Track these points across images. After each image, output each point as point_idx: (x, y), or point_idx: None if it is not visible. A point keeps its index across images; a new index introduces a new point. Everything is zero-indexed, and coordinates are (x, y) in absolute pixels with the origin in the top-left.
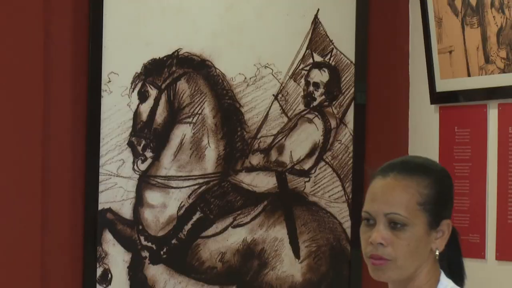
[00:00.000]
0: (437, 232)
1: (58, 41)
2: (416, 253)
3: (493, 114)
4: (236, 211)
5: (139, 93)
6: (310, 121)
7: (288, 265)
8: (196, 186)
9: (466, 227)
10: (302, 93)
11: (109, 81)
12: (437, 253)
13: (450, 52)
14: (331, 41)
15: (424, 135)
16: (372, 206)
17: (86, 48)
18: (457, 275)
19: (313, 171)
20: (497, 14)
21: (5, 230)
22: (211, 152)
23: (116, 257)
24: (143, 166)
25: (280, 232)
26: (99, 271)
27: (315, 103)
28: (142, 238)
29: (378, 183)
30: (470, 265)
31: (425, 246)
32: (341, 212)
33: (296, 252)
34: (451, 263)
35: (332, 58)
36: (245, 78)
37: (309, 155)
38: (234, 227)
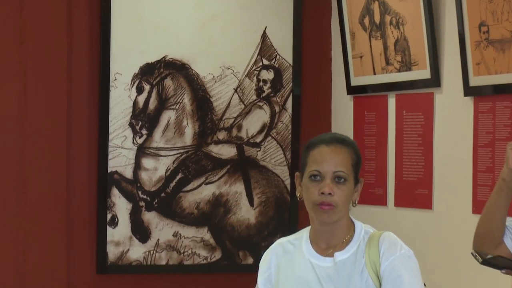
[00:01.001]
0: (356, 187)
1: (78, 51)
2: (348, 202)
3: (391, 102)
4: (208, 173)
5: (136, 88)
6: (261, 107)
7: (245, 211)
8: (179, 155)
9: (373, 183)
10: (254, 87)
11: (115, 79)
12: (356, 203)
13: (361, 57)
14: (275, 49)
15: (342, 117)
16: (323, 166)
17: (98, 56)
18: None
19: (263, 143)
20: (394, 29)
21: (41, 186)
22: (189, 130)
23: (121, 206)
24: (140, 141)
25: (239, 187)
26: (109, 216)
27: (264, 94)
28: (139, 192)
29: (324, 150)
30: (376, 210)
31: (351, 197)
32: (283, 173)
33: (251, 202)
34: None
35: (276, 62)
36: (213, 76)
37: (260, 131)
38: (206, 184)
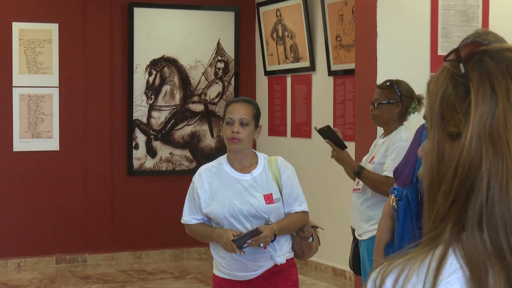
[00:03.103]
0: (257, 130)
1: (116, 51)
2: (250, 138)
3: (289, 80)
4: (188, 119)
5: (148, 73)
6: (217, 83)
7: (209, 140)
8: (172, 109)
9: (279, 123)
10: (213, 72)
11: (136, 68)
12: (257, 139)
13: (272, 55)
14: (225, 51)
15: (262, 89)
16: (233, 115)
17: (127, 54)
18: None
19: (219, 103)
20: (289, 40)
21: (95, 127)
22: (177, 96)
23: (140, 138)
24: (150, 102)
25: (205, 127)
26: (133, 143)
27: (219, 76)
28: (150, 130)
29: (235, 105)
30: (279, 140)
31: (253, 136)
32: None
33: (212, 135)
34: None
35: (225, 58)
36: (191, 66)
37: (216, 96)
38: (187, 125)
